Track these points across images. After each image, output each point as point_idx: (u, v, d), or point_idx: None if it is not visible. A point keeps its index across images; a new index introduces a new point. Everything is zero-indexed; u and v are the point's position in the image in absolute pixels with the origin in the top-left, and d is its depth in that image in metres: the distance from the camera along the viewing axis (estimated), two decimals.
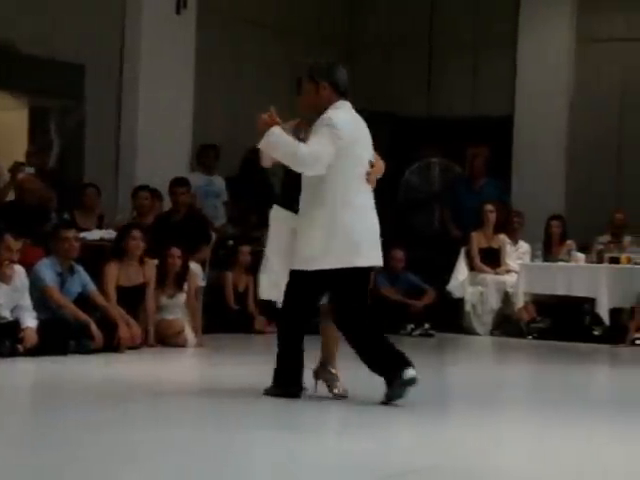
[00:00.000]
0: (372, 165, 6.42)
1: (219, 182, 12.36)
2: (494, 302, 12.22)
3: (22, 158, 10.94)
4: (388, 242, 7.02)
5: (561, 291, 11.76)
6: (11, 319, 8.50)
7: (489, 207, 12.47)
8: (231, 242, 11.62)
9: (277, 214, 6.60)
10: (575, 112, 13.71)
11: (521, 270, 12.07)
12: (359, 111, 6.50)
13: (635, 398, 7.65)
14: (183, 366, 9.10)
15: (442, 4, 14.47)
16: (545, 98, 13.59)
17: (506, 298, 12.21)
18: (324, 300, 6.49)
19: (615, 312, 11.63)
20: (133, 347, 9.15)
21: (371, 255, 6.36)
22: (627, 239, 12.37)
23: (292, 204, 6.42)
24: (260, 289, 6.83)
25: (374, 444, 5.36)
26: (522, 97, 13.76)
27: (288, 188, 6.50)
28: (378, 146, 6.59)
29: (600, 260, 11.94)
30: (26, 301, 8.57)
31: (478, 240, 12.43)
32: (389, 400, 6.23)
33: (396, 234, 11.67)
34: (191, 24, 12.19)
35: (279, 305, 6.54)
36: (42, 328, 8.51)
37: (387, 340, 6.36)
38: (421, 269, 12.30)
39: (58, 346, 8.58)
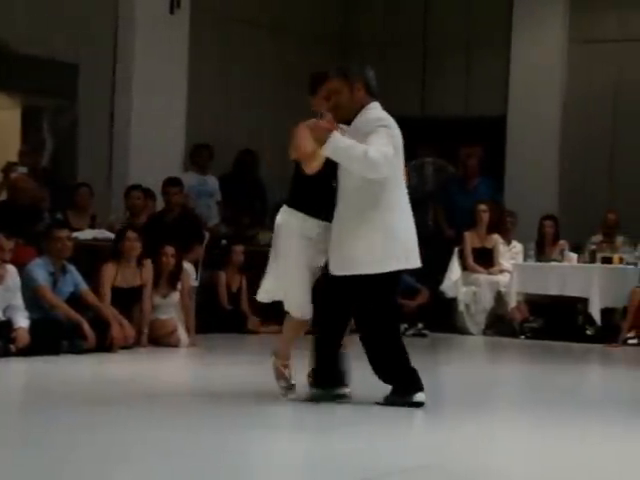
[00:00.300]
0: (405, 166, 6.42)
1: (212, 182, 12.36)
2: (487, 302, 12.23)
3: (15, 157, 10.94)
4: None
5: (554, 291, 11.78)
6: (3, 319, 8.50)
7: (482, 207, 12.48)
8: (224, 242, 11.62)
9: (289, 218, 6.35)
10: (568, 112, 13.73)
11: (514, 270, 12.09)
12: None
13: (627, 398, 7.67)
14: (176, 366, 9.10)
15: (436, 4, 14.49)
16: (538, 98, 13.61)
17: (499, 298, 12.23)
18: None
19: (607, 312, 11.66)
20: (126, 347, 9.14)
21: (417, 256, 6.36)
22: (619, 239, 12.41)
23: (301, 205, 6.30)
24: (261, 291, 6.60)
25: (365, 444, 5.36)
26: (515, 97, 13.79)
27: (299, 189, 6.36)
28: None
29: (593, 260, 11.97)
30: (18, 301, 8.57)
31: (471, 240, 12.45)
32: (388, 404, 6.23)
33: None
34: (184, 24, 12.18)
35: (285, 306, 6.44)
36: (34, 328, 8.50)
37: (405, 351, 6.30)
38: (414, 269, 12.28)
39: (50, 346, 8.58)
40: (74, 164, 11.74)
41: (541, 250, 12.34)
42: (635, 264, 11.87)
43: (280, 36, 13.71)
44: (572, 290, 11.69)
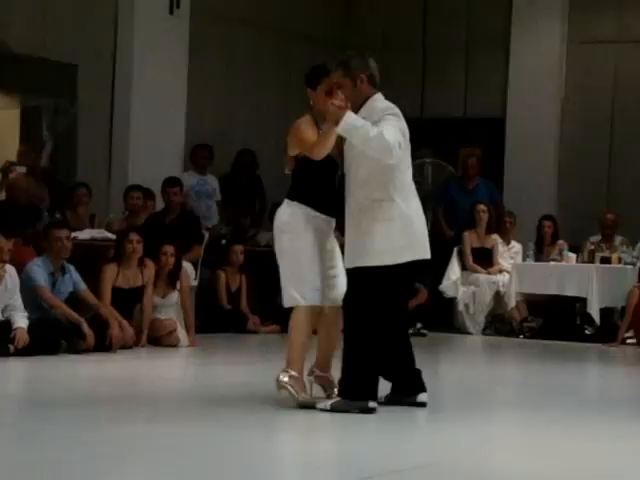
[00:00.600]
0: None
1: (212, 182, 12.37)
2: (486, 302, 12.24)
3: (14, 157, 10.94)
4: None
5: (553, 291, 11.80)
6: (2, 319, 8.50)
7: (481, 207, 12.50)
8: (224, 242, 11.63)
9: (298, 210, 6.17)
10: (567, 113, 13.74)
11: (513, 270, 12.11)
12: None
13: (626, 397, 7.67)
14: (175, 366, 9.10)
15: (435, 6, 14.49)
16: (537, 100, 13.62)
17: (498, 298, 12.25)
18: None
19: (606, 312, 11.67)
20: (125, 347, 9.15)
21: (428, 247, 6.26)
22: (618, 239, 12.43)
23: (307, 199, 6.17)
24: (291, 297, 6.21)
25: (365, 443, 5.37)
26: (514, 98, 13.80)
27: (303, 184, 6.21)
28: None
29: (591, 260, 11.99)
30: (17, 301, 8.57)
31: (471, 240, 12.46)
32: (390, 403, 6.18)
33: None
34: (184, 24, 12.19)
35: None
36: (33, 328, 8.50)
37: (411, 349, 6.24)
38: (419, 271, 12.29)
39: (50, 346, 8.58)
40: (73, 164, 11.74)
41: (540, 250, 12.37)
42: (633, 264, 11.89)
43: (280, 37, 13.72)
44: (571, 290, 11.70)
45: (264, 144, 12.78)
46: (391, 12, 14.60)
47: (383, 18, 14.65)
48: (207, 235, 11.15)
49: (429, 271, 12.16)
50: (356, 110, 6.09)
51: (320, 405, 6.07)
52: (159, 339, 9.69)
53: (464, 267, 12.42)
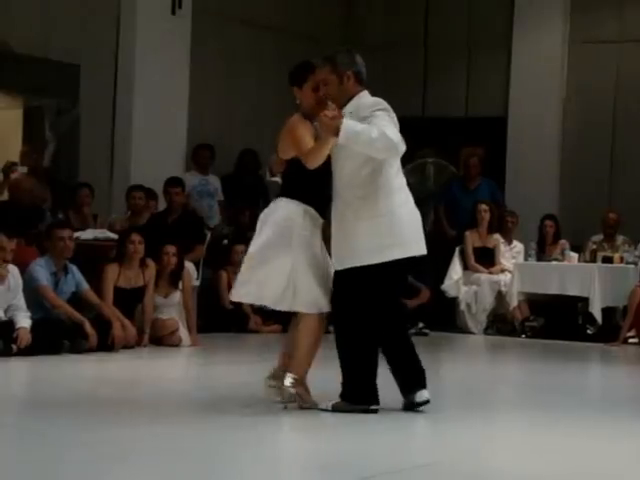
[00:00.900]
0: None
1: (214, 182, 12.38)
2: (488, 301, 12.25)
3: (16, 157, 10.96)
4: None
5: (554, 290, 11.80)
6: (5, 319, 8.51)
7: (483, 207, 12.50)
8: (226, 241, 11.63)
9: (297, 209, 6.05)
10: (568, 113, 13.74)
11: (515, 269, 12.11)
12: None
13: (628, 396, 7.67)
14: (177, 365, 9.11)
15: (437, 5, 14.50)
16: (539, 99, 13.62)
17: (500, 297, 12.25)
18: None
19: (608, 311, 11.68)
20: (127, 347, 9.16)
21: (423, 242, 6.15)
22: (620, 239, 12.43)
23: (296, 194, 6.06)
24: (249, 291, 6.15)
25: (366, 443, 5.38)
26: (516, 98, 13.80)
27: (298, 183, 6.11)
28: None
29: (593, 259, 11.99)
30: (20, 301, 8.58)
31: (472, 240, 12.47)
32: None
33: None
34: (186, 24, 12.20)
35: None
36: (36, 328, 8.51)
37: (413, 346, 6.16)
38: (416, 268, 12.30)
39: (52, 346, 8.59)
40: (75, 164, 11.75)
41: (542, 250, 12.37)
42: (635, 263, 11.89)
43: (281, 36, 13.72)
44: (573, 289, 11.71)
45: (265, 144, 12.78)
46: (392, 12, 14.61)
47: (384, 18, 14.65)
48: (209, 235, 11.16)
49: (428, 267, 12.19)
50: (341, 107, 5.98)
51: (322, 405, 6.08)
52: (161, 339, 9.70)
53: (466, 267, 12.42)
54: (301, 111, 6.21)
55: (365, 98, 6.08)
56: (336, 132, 5.79)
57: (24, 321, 8.49)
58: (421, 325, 11.83)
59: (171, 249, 9.82)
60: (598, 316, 11.52)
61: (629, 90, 13.50)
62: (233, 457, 4.94)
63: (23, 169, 10.66)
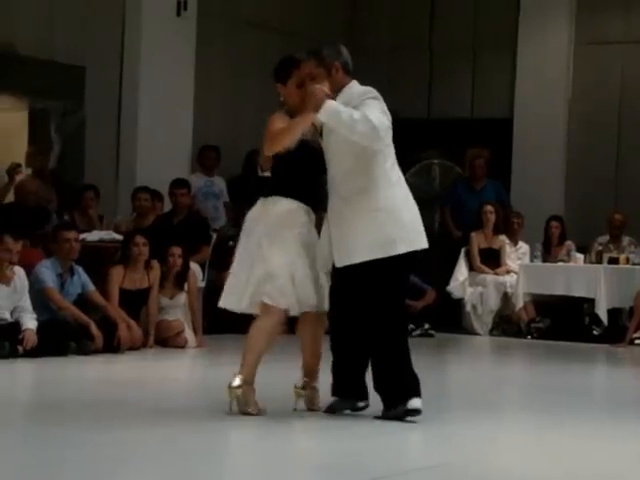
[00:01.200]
0: None
1: (219, 183, 12.38)
2: (494, 302, 12.24)
3: (22, 159, 10.97)
4: None
5: (560, 291, 11.79)
6: (11, 320, 8.52)
7: (489, 208, 12.50)
8: (231, 243, 11.62)
9: (289, 206, 5.94)
10: (574, 114, 13.73)
11: (521, 271, 12.10)
12: None
13: (634, 398, 7.66)
14: (183, 367, 9.12)
15: (442, 7, 14.49)
16: (544, 100, 13.61)
17: (506, 298, 12.24)
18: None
19: (614, 312, 11.67)
20: (133, 348, 9.17)
21: (424, 236, 6.00)
22: (626, 240, 12.42)
23: (286, 191, 5.94)
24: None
25: (370, 444, 5.37)
26: (521, 99, 13.79)
27: (281, 176, 5.99)
28: None
29: (599, 260, 11.97)
30: (26, 302, 8.59)
31: (478, 241, 12.46)
32: (387, 418, 5.92)
33: None
34: (191, 26, 12.20)
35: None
36: (42, 329, 8.52)
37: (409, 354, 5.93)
38: (421, 270, 12.31)
39: (58, 347, 8.59)
40: (81, 166, 11.76)
41: (548, 251, 12.37)
42: None
43: (287, 38, 13.71)
44: (578, 290, 11.70)
45: None
46: (397, 13, 14.60)
47: (389, 19, 14.64)
48: (214, 236, 11.16)
49: (433, 268, 12.19)
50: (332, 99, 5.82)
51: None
52: (167, 340, 9.71)
53: (472, 268, 12.42)
54: (285, 109, 6.03)
55: (355, 87, 5.97)
56: (318, 108, 5.68)
57: (30, 323, 8.50)
58: (427, 326, 11.83)
59: (177, 250, 9.83)
60: (604, 317, 11.51)
61: (635, 91, 13.48)
62: (238, 458, 4.94)
63: (28, 171, 10.67)
